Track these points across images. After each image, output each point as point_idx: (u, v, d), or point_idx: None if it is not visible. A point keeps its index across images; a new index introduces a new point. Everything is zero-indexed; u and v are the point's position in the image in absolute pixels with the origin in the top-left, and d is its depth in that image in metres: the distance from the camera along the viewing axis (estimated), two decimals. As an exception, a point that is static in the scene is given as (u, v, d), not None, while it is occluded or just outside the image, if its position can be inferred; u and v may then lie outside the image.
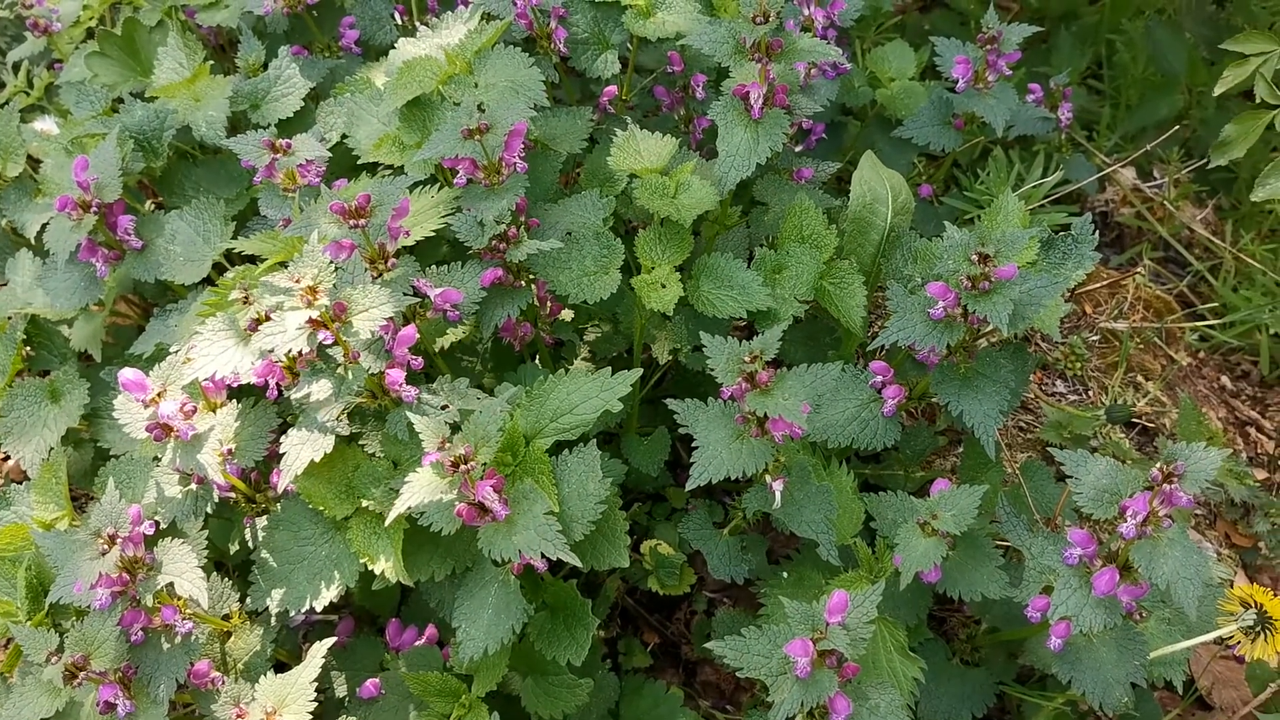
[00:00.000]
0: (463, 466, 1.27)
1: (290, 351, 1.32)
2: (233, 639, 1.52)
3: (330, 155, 1.79)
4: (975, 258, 1.42)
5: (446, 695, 1.48)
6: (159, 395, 1.39)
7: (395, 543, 1.41)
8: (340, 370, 1.35)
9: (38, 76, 2.38)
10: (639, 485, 1.94)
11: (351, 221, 1.39)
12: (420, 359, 1.43)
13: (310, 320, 1.29)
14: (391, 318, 1.38)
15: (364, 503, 1.43)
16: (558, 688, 1.55)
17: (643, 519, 1.95)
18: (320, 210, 1.40)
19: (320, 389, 1.34)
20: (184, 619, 1.40)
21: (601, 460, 1.50)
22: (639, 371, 1.53)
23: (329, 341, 1.36)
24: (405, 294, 1.42)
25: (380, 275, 1.44)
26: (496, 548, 1.32)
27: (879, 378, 1.62)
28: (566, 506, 1.42)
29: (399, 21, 2.18)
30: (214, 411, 1.47)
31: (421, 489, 1.27)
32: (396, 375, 1.37)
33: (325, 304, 1.30)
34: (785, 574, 1.69)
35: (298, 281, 1.29)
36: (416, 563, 1.45)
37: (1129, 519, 1.31)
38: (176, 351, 1.49)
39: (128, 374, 1.37)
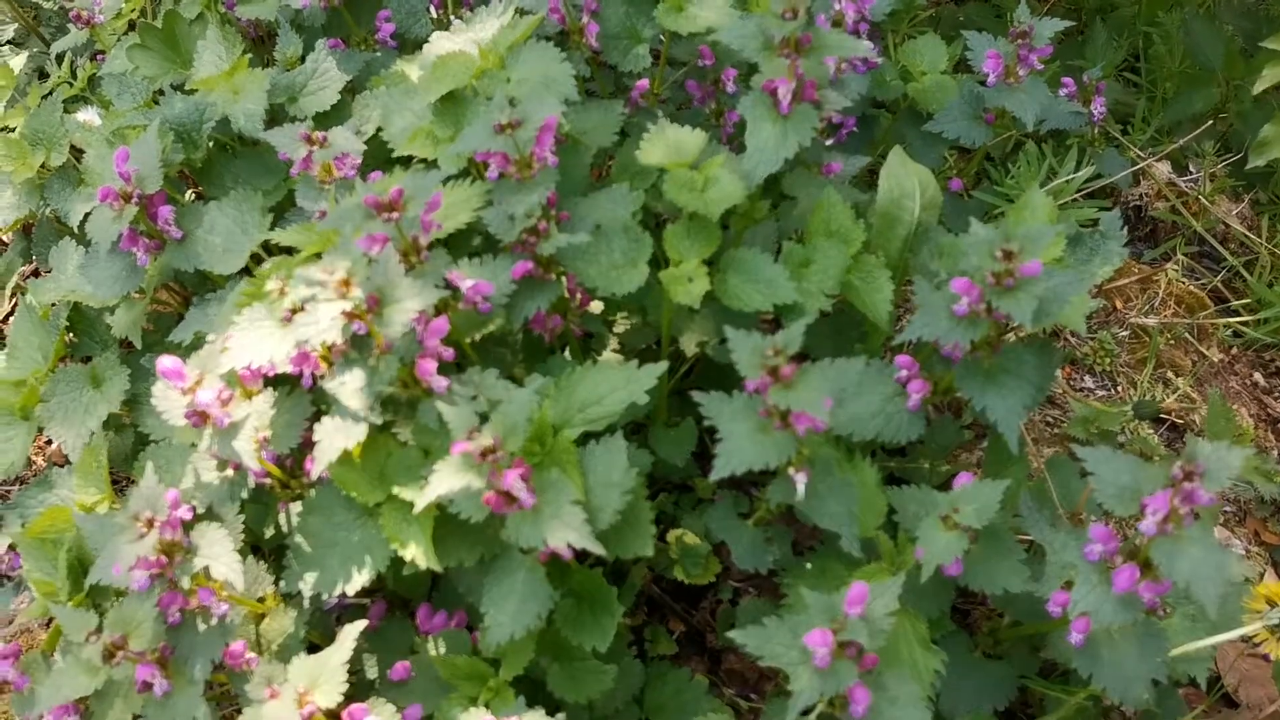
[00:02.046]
0: (491, 456, 1.30)
1: (324, 342, 1.35)
2: (266, 621, 1.56)
3: (366, 148, 1.81)
4: (999, 254, 1.43)
5: (475, 679, 1.51)
6: (196, 383, 1.43)
7: (425, 529, 1.44)
8: (373, 361, 1.38)
9: (81, 68, 2.42)
10: (666, 475, 1.96)
11: (385, 215, 1.41)
12: (451, 350, 1.46)
13: (344, 312, 1.32)
14: (423, 309, 1.40)
15: (395, 490, 1.46)
16: (583, 673, 1.58)
17: (670, 509, 1.98)
18: (354, 203, 1.42)
19: (353, 379, 1.37)
20: (220, 601, 1.44)
21: (628, 451, 1.53)
22: (665, 364, 1.55)
23: (363, 332, 1.39)
24: (437, 286, 1.45)
25: (413, 267, 1.47)
26: (523, 536, 1.34)
27: (904, 372, 1.63)
28: (592, 496, 1.44)
29: (434, 15, 2.21)
30: (250, 399, 1.50)
31: (450, 477, 1.30)
32: (428, 365, 1.40)
33: (359, 296, 1.33)
34: (809, 565, 1.71)
35: (331, 274, 1.32)
36: (446, 549, 1.48)
37: (1149, 516, 1.31)
38: (214, 340, 1.52)
39: (166, 362, 1.41)
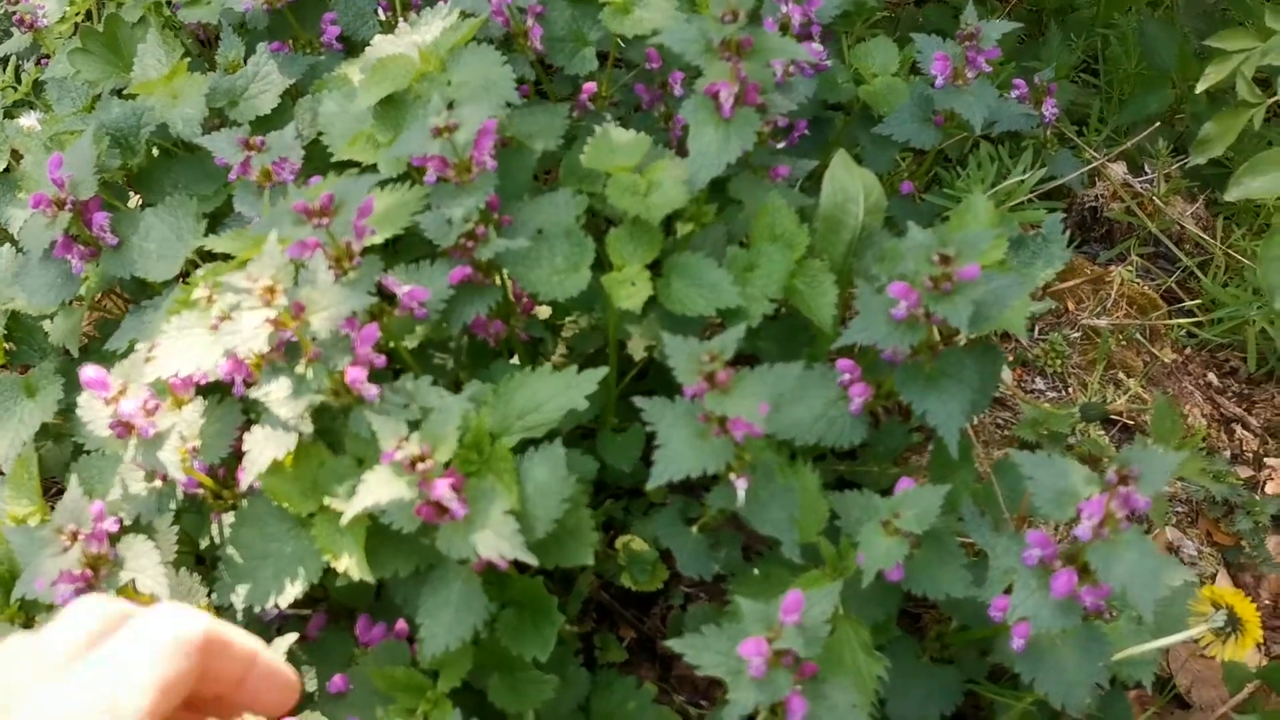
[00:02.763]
0: (420, 465, 1.27)
1: (252, 350, 1.32)
2: (200, 634, 1.52)
3: (307, 154, 1.79)
4: (936, 258, 1.42)
5: (412, 690, 1.49)
6: (120, 392, 1.40)
7: (358, 540, 1.41)
8: (300, 369, 1.36)
9: (26, 72, 2.39)
10: (616, 481, 1.94)
11: (315, 221, 1.39)
12: (384, 357, 1.44)
13: (268, 320, 1.30)
14: (355, 315, 1.38)
15: (327, 500, 1.44)
16: (524, 683, 1.56)
17: (619, 515, 1.96)
18: (284, 209, 1.40)
19: (280, 387, 1.35)
20: (148, 615, 1.40)
21: (572, 457, 1.51)
22: (605, 370, 1.53)
23: (294, 340, 1.36)
24: (370, 293, 1.42)
25: (345, 274, 1.44)
26: (454, 547, 1.32)
27: (846, 376, 1.62)
28: (530, 505, 1.42)
29: (382, 18, 2.18)
30: (180, 409, 1.48)
31: (379, 488, 1.28)
32: (357, 373, 1.38)
33: (283, 303, 1.30)
34: (756, 570, 1.69)
35: (256, 281, 1.29)
36: (380, 560, 1.46)
37: (1084, 521, 1.30)
38: (141, 349, 1.50)
39: (89, 371, 1.38)
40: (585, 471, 1.66)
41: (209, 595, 1.54)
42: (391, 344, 1.59)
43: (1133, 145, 2.56)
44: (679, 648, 1.36)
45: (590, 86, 2.04)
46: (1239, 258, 2.50)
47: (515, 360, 1.89)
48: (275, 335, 1.32)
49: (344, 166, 1.81)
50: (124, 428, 1.41)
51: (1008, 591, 1.45)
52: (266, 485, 1.44)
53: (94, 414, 1.43)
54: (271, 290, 1.30)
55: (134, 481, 1.49)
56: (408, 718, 1.49)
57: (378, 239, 1.54)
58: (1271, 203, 2.56)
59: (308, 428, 1.41)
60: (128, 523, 1.46)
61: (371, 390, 1.39)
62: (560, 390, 1.50)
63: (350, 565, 1.41)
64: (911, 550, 1.49)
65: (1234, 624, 1.64)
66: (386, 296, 1.56)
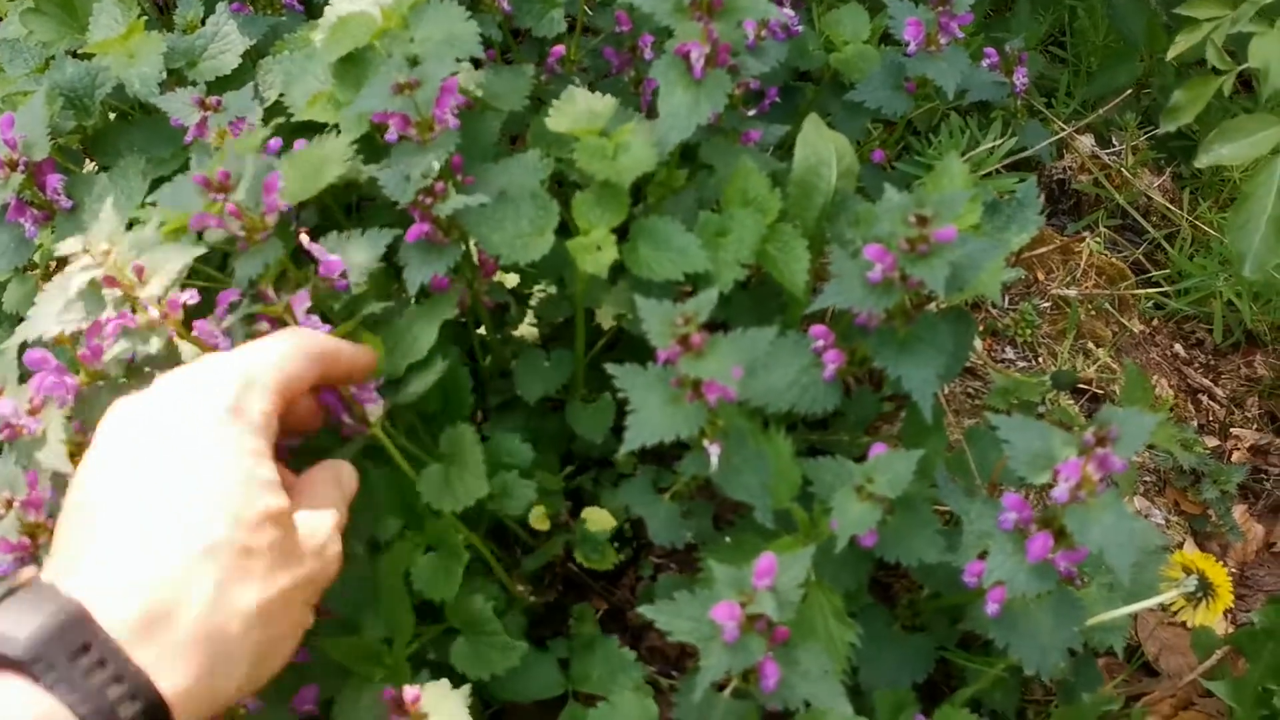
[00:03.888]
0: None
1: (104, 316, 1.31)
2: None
3: (267, 115, 1.74)
4: (913, 219, 1.40)
5: (368, 659, 1.46)
6: (-3, 391, 1.34)
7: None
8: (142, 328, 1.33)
9: (-25, 34, 2.32)
10: (585, 452, 1.92)
11: (214, 194, 1.36)
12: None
13: (106, 278, 1.29)
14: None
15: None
16: (489, 649, 1.53)
17: (589, 486, 1.94)
18: (187, 182, 1.39)
19: (120, 348, 1.31)
20: (92, 586, 1.36)
21: (540, 425, 1.56)
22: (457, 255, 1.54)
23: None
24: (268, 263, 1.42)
25: (253, 244, 1.41)
26: None
27: (820, 342, 1.60)
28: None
29: (344, -21, 2.13)
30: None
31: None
32: (203, 325, 1.37)
33: (116, 261, 1.30)
34: (727, 539, 1.67)
35: (92, 245, 1.31)
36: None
37: (1061, 483, 1.29)
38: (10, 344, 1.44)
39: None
40: (523, 458, 1.66)
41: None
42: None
43: (1100, 117, 2.56)
44: (650, 614, 1.34)
45: (559, 49, 2.00)
46: (1206, 229, 2.50)
47: (481, 330, 1.86)
48: (121, 298, 1.30)
49: (306, 127, 1.76)
50: (12, 430, 1.32)
51: (981, 557, 1.44)
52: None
53: None
54: (107, 252, 1.30)
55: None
56: (367, 685, 1.45)
57: (302, 197, 1.51)
58: (1238, 174, 2.57)
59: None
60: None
61: (226, 342, 1.37)
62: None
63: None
64: (885, 516, 1.47)
65: (1205, 589, 1.64)
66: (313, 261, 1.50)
